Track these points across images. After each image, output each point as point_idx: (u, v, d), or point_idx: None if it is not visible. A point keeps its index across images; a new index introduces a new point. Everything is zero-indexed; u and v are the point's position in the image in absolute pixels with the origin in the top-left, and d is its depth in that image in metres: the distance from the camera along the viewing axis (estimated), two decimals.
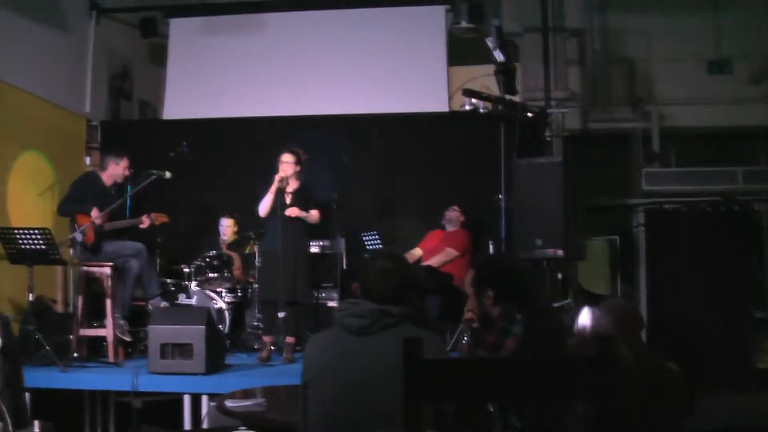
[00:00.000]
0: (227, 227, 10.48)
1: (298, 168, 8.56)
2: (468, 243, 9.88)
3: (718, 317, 10.25)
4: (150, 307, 8.62)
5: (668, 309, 10.41)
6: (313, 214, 8.57)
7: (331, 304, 9.85)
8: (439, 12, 11.74)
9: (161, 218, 8.86)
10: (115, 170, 8.68)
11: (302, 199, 8.54)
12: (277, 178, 8.45)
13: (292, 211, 8.44)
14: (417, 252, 9.98)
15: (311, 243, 9.68)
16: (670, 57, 11.98)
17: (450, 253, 9.70)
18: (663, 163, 11.95)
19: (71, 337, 8.16)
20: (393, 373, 2.95)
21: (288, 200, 8.51)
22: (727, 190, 10.95)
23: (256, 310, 9.48)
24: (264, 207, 8.51)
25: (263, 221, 8.78)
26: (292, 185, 8.57)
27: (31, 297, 7.96)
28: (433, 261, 9.64)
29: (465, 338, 8.22)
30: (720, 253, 10.44)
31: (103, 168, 8.79)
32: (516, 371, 2.87)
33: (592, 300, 4.13)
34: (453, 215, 10.00)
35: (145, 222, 8.72)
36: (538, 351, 3.76)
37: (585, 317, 3.99)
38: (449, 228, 10.03)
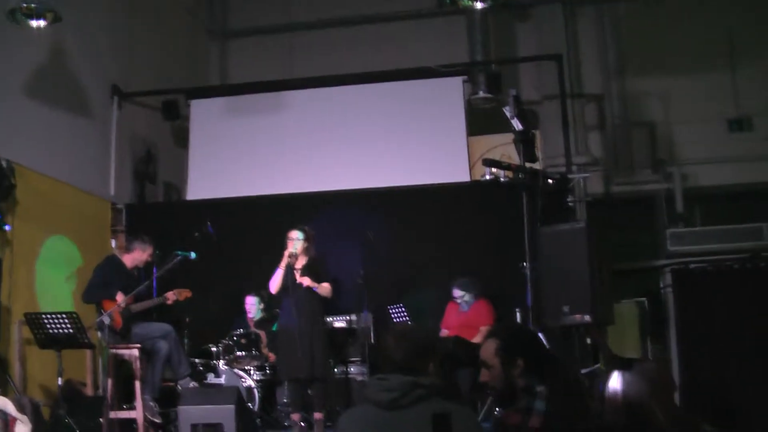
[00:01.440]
0: (251, 305, 10.47)
1: (306, 244, 8.70)
2: (493, 312, 9.81)
3: (752, 376, 10.16)
4: (179, 387, 8.62)
5: (700, 369, 10.33)
6: (325, 287, 8.68)
7: (361, 378, 9.79)
8: (457, 83, 11.79)
9: (185, 293, 9.00)
10: (140, 256, 8.93)
11: (312, 274, 8.66)
12: (286, 253, 8.58)
13: (305, 279, 8.54)
14: (444, 333, 9.87)
15: (338, 318, 9.71)
16: (689, 117, 12.03)
17: (487, 330, 9.56)
18: (688, 223, 11.90)
19: (102, 420, 8.13)
20: None
21: (298, 276, 8.60)
22: (752, 247, 10.89)
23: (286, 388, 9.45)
24: (275, 283, 8.67)
25: (277, 299, 8.85)
26: (302, 261, 8.71)
27: (60, 381, 7.96)
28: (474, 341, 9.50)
29: (497, 410, 8.16)
30: (749, 309, 10.41)
31: (129, 250, 8.94)
32: None
33: (624, 364, 4.09)
34: (465, 299, 9.89)
35: (171, 298, 8.82)
36: (563, 424, 3.70)
37: (615, 382, 3.95)
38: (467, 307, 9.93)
